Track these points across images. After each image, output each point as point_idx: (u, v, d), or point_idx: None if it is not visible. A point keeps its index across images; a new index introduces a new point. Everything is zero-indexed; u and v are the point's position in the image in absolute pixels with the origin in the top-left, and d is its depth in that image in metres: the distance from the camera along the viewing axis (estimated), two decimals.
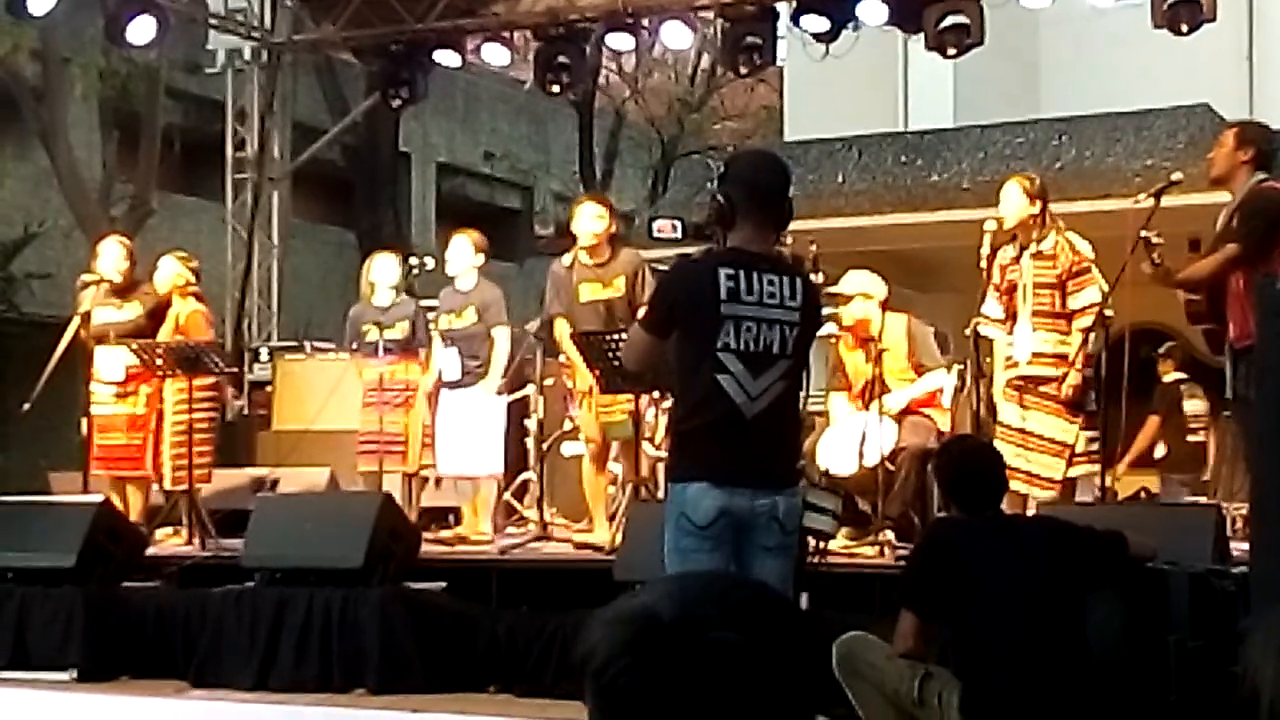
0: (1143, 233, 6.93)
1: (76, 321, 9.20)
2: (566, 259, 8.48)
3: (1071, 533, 5.38)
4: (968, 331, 7.89)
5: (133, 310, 9.28)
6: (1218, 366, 7.15)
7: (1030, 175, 8.02)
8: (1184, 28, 10.01)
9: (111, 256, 9.39)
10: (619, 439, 8.38)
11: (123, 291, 9.33)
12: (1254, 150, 7.03)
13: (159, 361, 9.01)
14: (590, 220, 8.31)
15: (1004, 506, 5.84)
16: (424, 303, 9.54)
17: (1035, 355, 7.58)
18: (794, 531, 5.14)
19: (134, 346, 9.05)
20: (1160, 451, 11.32)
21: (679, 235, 5.28)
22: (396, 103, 12.49)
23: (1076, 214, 8.25)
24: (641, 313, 5.87)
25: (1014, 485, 7.22)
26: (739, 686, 1.53)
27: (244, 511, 8.44)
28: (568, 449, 9.58)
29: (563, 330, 8.40)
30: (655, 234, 5.34)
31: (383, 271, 9.37)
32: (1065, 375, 7.48)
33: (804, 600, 5.87)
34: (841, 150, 14.32)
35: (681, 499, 4.96)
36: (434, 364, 9.16)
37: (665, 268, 5.72)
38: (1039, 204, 7.62)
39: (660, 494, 7.19)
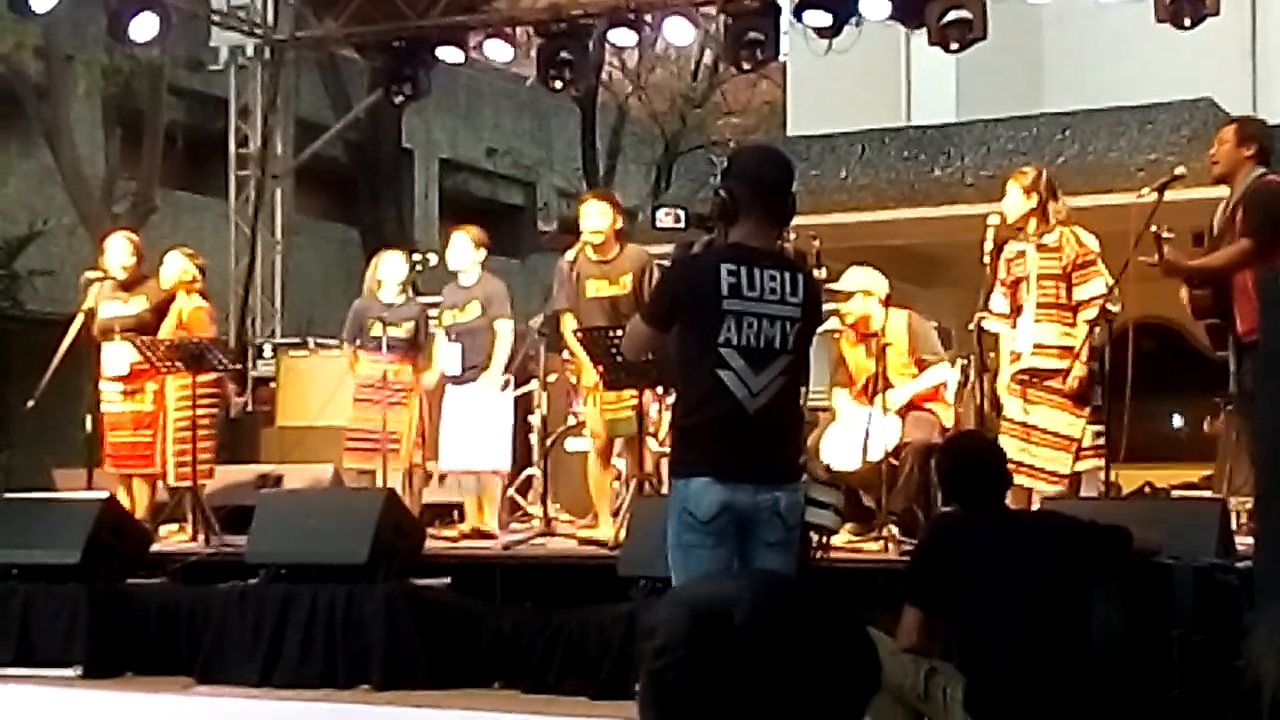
0: (1153, 228, 6.93)
1: (80, 318, 9.20)
2: (572, 254, 8.49)
3: (1074, 527, 5.37)
4: (971, 326, 7.89)
5: (138, 305, 9.29)
6: (1219, 361, 7.15)
7: (1028, 170, 7.99)
8: (1187, 22, 10.00)
9: (118, 252, 9.40)
10: (623, 435, 8.38)
11: (129, 286, 9.34)
12: (1256, 146, 7.04)
13: (163, 357, 9.02)
14: (595, 218, 8.32)
15: (1009, 501, 5.84)
16: (426, 299, 9.55)
17: (1038, 346, 7.59)
18: (796, 527, 5.14)
19: (138, 343, 9.06)
20: None
21: (682, 225, 5.29)
22: (399, 99, 12.49)
23: (1080, 209, 8.23)
24: (643, 305, 5.87)
25: (1019, 480, 7.22)
26: (791, 705, 1.48)
27: (248, 508, 8.44)
28: (571, 445, 9.59)
29: (568, 326, 8.41)
30: (658, 224, 5.35)
31: (390, 269, 9.37)
32: (1070, 368, 7.49)
33: None
34: (844, 145, 14.31)
35: (684, 494, 4.97)
36: (436, 361, 9.17)
37: (669, 263, 5.73)
38: (1035, 197, 7.62)
39: (664, 489, 7.19)
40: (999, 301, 7.79)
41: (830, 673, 1.50)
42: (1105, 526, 5.40)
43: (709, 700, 1.48)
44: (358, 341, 9.33)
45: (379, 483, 8.90)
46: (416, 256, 9.59)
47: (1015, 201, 7.67)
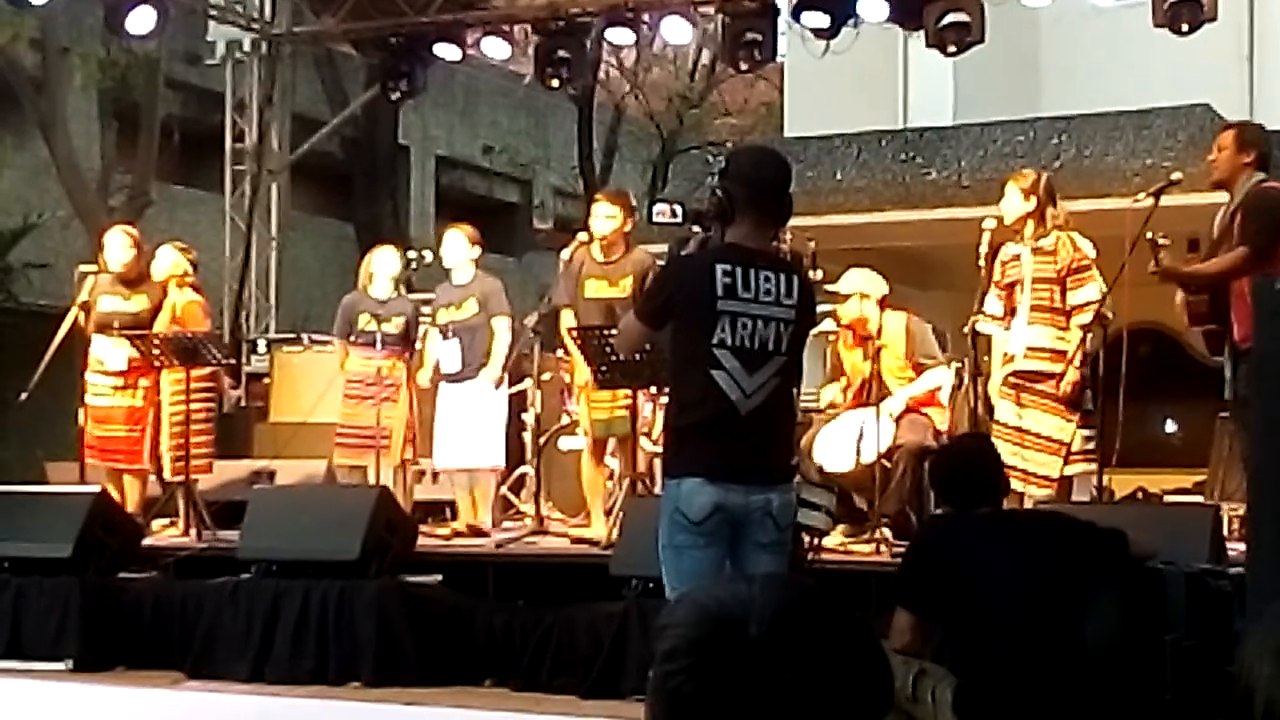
0: (1149, 234, 6.93)
1: (75, 311, 9.18)
2: (567, 252, 8.48)
3: (1072, 526, 5.34)
4: (966, 329, 7.89)
5: (139, 303, 9.25)
6: (1215, 368, 7.15)
7: (1028, 172, 8.01)
8: (1184, 27, 10.01)
9: (117, 246, 9.37)
10: (617, 435, 8.38)
11: (130, 282, 9.30)
12: (1255, 152, 7.03)
13: (156, 352, 9.00)
14: (600, 220, 8.30)
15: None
16: (419, 296, 9.54)
17: (1031, 349, 7.59)
18: (788, 528, 5.14)
19: (132, 338, 9.04)
20: None
21: (679, 220, 5.27)
22: (396, 95, 12.49)
23: (1076, 213, 8.23)
24: (638, 302, 5.87)
25: (1010, 483, 7.21)
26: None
27: (241, 503, 8.43)
28: (565, 443, 9.59)
29: (566, 322, 8.40)
30: (655, 218, 5.34)
31: (383, 263, 9.37)
32: (1063, 373, 7.49)
33: None
34: (841, 147, 14.30)
35: (676, 494, 4.97)
36: (429, 358, 9.16)
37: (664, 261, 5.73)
38: (1034, 200, 7.63)
39: (657, 489, 7.19)
40: (994, 304, 7.79)
41: (845, 689, 1.47)
42: (1103, 528, 5.39)
43: (718, 710, 1.44)
44: (350, 337, 9.32)
45: (370, 479, 8.90)
46: (411, 254, 9.58)
47: (1014, 203, 7.67)
